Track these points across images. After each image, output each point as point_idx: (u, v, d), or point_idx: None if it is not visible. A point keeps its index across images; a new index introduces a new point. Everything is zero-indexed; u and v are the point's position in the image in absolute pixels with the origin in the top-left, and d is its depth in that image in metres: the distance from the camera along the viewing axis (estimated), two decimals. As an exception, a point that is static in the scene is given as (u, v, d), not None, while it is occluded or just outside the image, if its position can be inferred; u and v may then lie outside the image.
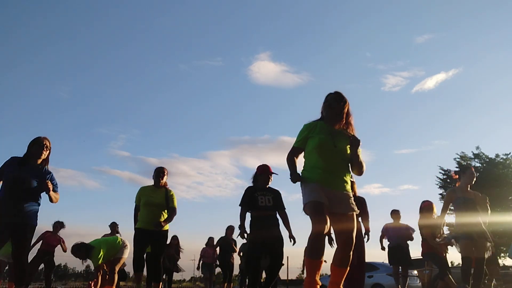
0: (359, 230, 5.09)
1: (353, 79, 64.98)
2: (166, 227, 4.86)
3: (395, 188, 60.10)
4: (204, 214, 79.13)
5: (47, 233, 7.91)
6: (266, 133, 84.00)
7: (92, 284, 6.36)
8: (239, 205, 4.62)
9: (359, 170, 2.87)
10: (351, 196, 2.80)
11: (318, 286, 2.62)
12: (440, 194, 22.78)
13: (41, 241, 7.81)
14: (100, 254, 5.43)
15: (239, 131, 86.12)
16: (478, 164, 22.71)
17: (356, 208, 2.76)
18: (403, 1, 66.23)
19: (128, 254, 5.67)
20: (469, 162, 22.88)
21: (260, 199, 4.49)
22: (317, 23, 74.49)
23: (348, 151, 2.83)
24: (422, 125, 56.11)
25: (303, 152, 2.95)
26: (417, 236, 7.02)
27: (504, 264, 21.08)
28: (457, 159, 23.01)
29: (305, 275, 5.06)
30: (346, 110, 2.87)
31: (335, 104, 2.85)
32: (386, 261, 7.54)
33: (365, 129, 63.98)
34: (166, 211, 4.88)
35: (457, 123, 53.20)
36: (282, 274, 20.15)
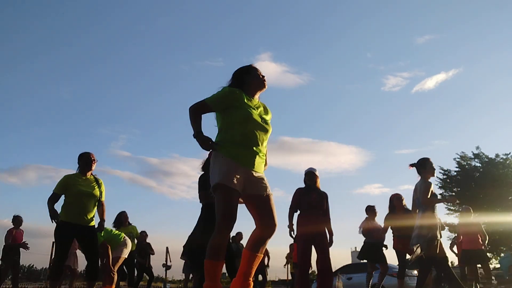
0: (323, 231, 4.92)
1: (353, 79, 64.87)
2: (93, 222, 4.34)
3: (395, 188, 59.85)
4: (204, 214, 78.94)
5: (13, 230, 7.35)
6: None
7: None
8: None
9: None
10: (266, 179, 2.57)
11: None
12: (440, 194, 22.74)
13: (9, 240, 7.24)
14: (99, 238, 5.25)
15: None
16: (478, 164, 22.73)
17: (270, 190, 2.52)
18: (403, 2, 66.27)
19: (127, 254, 5.61)
20: (469, 162, 22.90)
21: None
22: (318, 24, 74.46)
23: (270, 128, 2.63)
24: (422, 125, 56.02)
25: (208, 113, 2.60)
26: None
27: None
28: (457, 159, 23.03)
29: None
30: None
31: (260, 74, 2.71)
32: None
33: (365, 129, 63.93)
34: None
35: (457, 123, 53.16)
36: (282, 274, 20.16)
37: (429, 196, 4.30)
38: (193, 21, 75.50)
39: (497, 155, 22.16)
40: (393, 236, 6.18)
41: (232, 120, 2.51)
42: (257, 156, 2.51)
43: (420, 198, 4.37)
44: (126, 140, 69.52)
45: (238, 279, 2.47)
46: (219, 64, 72.45)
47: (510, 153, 21.88)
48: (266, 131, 2.58)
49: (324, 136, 70.10)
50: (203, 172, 4.35)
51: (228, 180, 2.34)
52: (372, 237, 6.70)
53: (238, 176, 2.38)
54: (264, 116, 2.63)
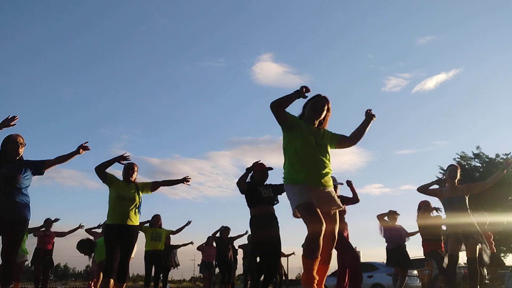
0: (343, 230, 5.05)
1: (354, 80, 65.03)
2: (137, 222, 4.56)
3: (395, 188, 60.16)
4: (205, 215, 79.11)
5: (41, 232, 7.76)
6: (267, 133, 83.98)
7: (92, 284, 6.36)
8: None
9: (358, 140, 3.08)
10: (335, 192, 2.91)
11: (316, 281, 2.67)
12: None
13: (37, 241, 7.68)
14: (103, 251, 5.40)
15: (240, 132, 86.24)
16: (478, 164, 22.72)
17: (341, 204, 2.87)
18: (404, 3, 66.29)
19: (134, 255, 5.61)
20: (469, 162, 22.89)
21: (262, 191, 4.55)
22: (319, 25, 74.61)
23: (329, 148, 2.96)
24: (422, 126, 56.18)
25: (284, 139, 2.95)
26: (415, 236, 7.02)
27: (504, 264, 21.10)
28: (457, 159, 23.00)
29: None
30: (327, 112, 3.05)
31: (320, 108, 2.99)
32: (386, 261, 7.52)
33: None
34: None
35: (457, 123, 53.26)
36: (282, 274, 20.13)
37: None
38: (194, 23, 75.54)
39: (497, 155, 22.16)
40: (422, 240, 6.40)
41: (293, 145, 2.85)
42: (320, 175, 2.81)
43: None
44: (128, 140, 69.62)
45: None
46: (221, 65, 72.48)
47: (510, 153, 21.87)
48: (322, 152, 2.87)
49: (324, 136, 69.95)
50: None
51: (304, 198, 2.69)
52: (394, 242, 6.79)
53: (310, 193, 2.72)
54: (320, 139, 2.91)
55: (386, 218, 6.89)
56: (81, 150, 3.89)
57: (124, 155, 4.33)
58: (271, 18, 77.65)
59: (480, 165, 22.54)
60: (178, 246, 9.13)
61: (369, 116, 3.13)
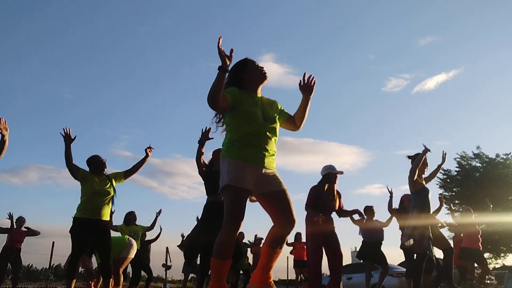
0: (332, 231, 4.78)
1: (355, 80, 64.92)
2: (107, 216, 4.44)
3: (396, 188, 59.68)
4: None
5: (14, 230, 7.47)
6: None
7: (92, 284, 6.36)
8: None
9: (301, 121, 2.65)
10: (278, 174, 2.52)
11: None
12: (440, 194, 22.73)
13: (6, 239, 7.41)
14: None
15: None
16: (478, 164, 22.73)
17: (284, 186, 2.46)
18: (405, 3, 66.28)
19: (133, 254, 5.60)
20: (469, 162, 22.90)
21: None
22: (320, 26, 74.55)
23: (277, 124, 2.55)
24: (422, 126, 56.01)
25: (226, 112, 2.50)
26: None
27: (504, 264, 21.10)
28: (457, 159, 23.02)
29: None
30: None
31: (258, 66, 2.61)
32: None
33: (366, 130, 63.94)
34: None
35: (457, 123, 53.15)
36: (282, 274, 20.14)
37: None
38: (195, 22, 75.57)
39: (497, 155, 22.17)
40: (402, 236, 6.19)
41: (236, 120, 2.45)
42: (266, 154, 2.44)
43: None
44: (128, 140, 69.53)
45: (257, 272, 2.48)
46: (221, 65, 72.28)
47: (510, 153, 21.91)
48: (271, 128, 2.49)
49: (325, 136, 70.22)
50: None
51: (236, 181, 2.32)
52: (371, 237, 6.71)
53: (248, 176, 2.35)
54: (268, 111, 2.53)
55: (356, 217, 6.66)
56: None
57: (66, 131, 4.23)
58: (272, 18, 77.69)
59: (480, 165, 22.55)
60: (153, 240, 8.87)
61: (305, 88, 2.59)
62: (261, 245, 3.66)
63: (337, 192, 4.93)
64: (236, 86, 2.52)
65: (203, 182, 4.48)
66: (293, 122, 2.67)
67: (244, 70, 2.58)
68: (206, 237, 4.08)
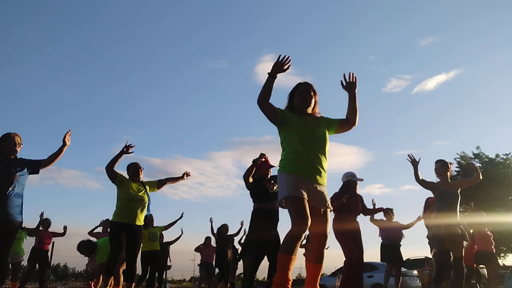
0: (358, 230, 5.14)
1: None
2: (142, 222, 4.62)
3: (396, 189, 60.15)
4: (205, 215, 79.14)
5: (37, 231, 7.67)
6: (268, 134, 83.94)
7: (92, 284, 6.36)
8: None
9: (355, 117, 2.90)
10: (327, 191, 2.78)
11: (290, 282, 2.57)
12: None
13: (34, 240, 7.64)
14: (104, 252, 5.41)
15: (242, 132, 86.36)
16: (478, 164, 22.70)
17: (330, 205, 2.74)
18: (405, 5, 66.30)
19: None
20: (469, 162, 22.89)
21: (268, 187, 4.43)
22: (321, 27, 74.62)
23: (327, 135, 2.83)
24: (422, 126, 56.20)
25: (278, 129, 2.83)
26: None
27: (504, 264, 21.10)
28: (458, 159, 23.00)
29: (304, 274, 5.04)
30: (314, 95, 2.91)
31: (307, 96, 2.86)
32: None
33: (367, 130, 63.95)
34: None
35: (457, 123, 53.28)
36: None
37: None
38: (195, 23, 75.52)
39: (497, 155, 22.17)
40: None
41: (288, 139, 2.75)
42: (316, 169, 2.70)
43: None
44: (129, 140, 69.46)
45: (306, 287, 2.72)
46: (223, 66, 72.46)
47: (510, 153, 21.91)
48: (320, 145, 2.75)
49: (324, 136, 70.00)
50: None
51: (296, 191, 2.58)
52: (389, 239, 6.77)
53: (303, 188, 2.61)
54: (315, 129, 2.78)
55: (377, 217, 6.77)
56: (65, 140, 3.82)
57: (128, 144, 4.39)
58: (273, 19, 77.71)
59: (480, 165, 22.53)
60: (172, 242, 8.93)
61: (349, 86, 2.90)
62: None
63: (359, 196, 5.31)
64: (289, 108, 2.88)
65: (249, 191, 4.59)
66: (347, 122, 2.92)
67: (293, 94, 2.90)
68: (260, 234, 4.32)
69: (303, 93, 2.85)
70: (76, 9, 75.70)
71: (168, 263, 12.27)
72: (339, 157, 59.96)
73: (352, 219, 5.15)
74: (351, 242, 4.99)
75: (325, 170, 2.77)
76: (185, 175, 4.94)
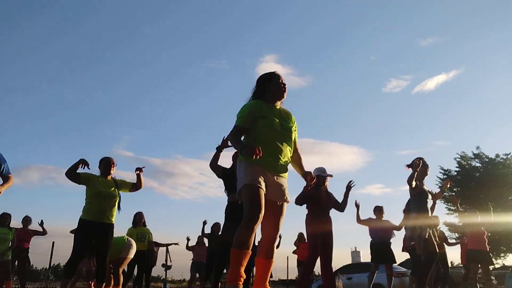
0: (329, 231, 4.98)
1: (356, 81, 65.03)
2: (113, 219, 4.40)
3: (396, 189, 59.91)
4: (205, 215, 79.14)
5: (17, 229, 7.49)
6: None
7: (92, 284, 6.36)
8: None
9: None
10: (287, 185, 2.67)
11: (242, 279, 2.43)
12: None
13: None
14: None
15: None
16: (478, 164, 22.72)
17: (289, 199, 2.64)
18: (406, 5, 66.28)
19: (133, 255, 5.58)
20: (469, 162, 22.89)
21: None
22: (322, 27, 74.58)
23: (293, 134, 2.73)
24: (422, 126, 56.09)
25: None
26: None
27: (504, 264, 21.08)
28: (457, 159, 23.02)
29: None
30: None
31: (281, 83, 2.76)
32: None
33: (367, 130, 63.97)
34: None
35: (457, 123, 53.17)
36: (282, 274, 20.13)
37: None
38: (197, 24, 75.55)
39: (497, 155, 22.16)
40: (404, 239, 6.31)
41: (255, 129, 2.60)
42: (280, 161, 2.60)
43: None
44: (129, 140, 69.60)
45: (256, 285, 2.62)
46: (224, 66, 72.50)
47: (510, 153, 21.90)
48: (287, 138, 2.66)
49: (326, 136, 70.29)
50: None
51: (254, 180, 2.46)
52: (378, 238, 6.70)
53: (263, 178, 2.50)
54: (284, 123, 2.69)
55: (362, 217, 6.71)
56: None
57: (83, 160, 4.15)
58: (274, 19, 77.71)
59: (480, 165, 22.55)
60: (161, 245, 8.82)
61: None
62: None
63: (330, 192, 5.21)
64: (259, 95, 2.73)
65: (223, 182, 4.50)
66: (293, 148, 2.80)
67: (268, 82, 2.75)
68: (227, 236, 4.11)
69: (282, 82, 2.74)
70: (76, 9, 75.74)
71: (168, 263, 12.27)
72: (339, 157, 60.04)
73: (324, 213, 5.02)
74: (316, 244, 4.90)
75: (288, 164, 2.69)
76: (137, 171, 4.59)
